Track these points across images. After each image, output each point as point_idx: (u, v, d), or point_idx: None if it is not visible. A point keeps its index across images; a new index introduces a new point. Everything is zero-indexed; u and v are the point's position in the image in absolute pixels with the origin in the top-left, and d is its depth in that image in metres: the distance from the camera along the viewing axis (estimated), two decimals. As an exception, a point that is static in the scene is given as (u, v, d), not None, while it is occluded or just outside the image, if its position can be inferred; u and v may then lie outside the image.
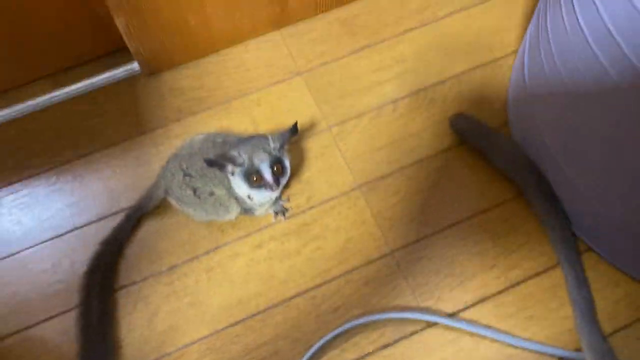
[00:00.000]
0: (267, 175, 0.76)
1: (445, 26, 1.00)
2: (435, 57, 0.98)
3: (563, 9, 0.69)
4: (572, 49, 0.68)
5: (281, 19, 0.98)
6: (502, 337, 0.78)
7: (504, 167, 0.87)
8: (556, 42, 0.72)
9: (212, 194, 0.80)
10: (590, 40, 0.63)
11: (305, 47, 0.99)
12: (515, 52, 0.97)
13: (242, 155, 0.77)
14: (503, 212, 0.87)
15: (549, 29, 0.74)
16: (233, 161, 0.76)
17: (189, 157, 0.81)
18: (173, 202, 0.84)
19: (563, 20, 0.69)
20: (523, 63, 0.86)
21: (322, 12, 1.01)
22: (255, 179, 0.76)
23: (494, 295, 0.82)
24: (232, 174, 0.78)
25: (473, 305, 0.81)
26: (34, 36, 0.91)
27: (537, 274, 0.83)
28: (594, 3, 0.61)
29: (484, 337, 0.79)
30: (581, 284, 0.78)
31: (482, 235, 0.85)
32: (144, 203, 0.85)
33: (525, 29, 0.98)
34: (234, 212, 0.83)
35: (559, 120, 0.78)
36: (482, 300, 0.81)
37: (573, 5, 0.66)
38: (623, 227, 0.77)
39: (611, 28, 0.59)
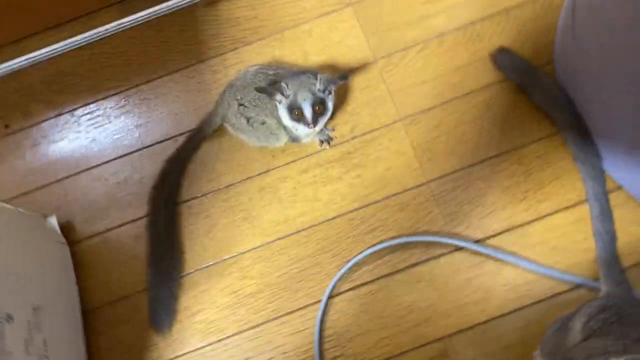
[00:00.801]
0: (307, 113, 0.83)
1: (499, -43, 0.99)
2: (486, -11, 0.98)
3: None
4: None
5: (334, -51, 0.99)
6: (524, 264, 0.85)
7: (542, 104, 0.90)
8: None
9: (263, 123, 0.88)
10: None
11: (356, -23, 1.01)
12: (569, -15, 0.96)
13: (289, 88, 0.83)
14: (539, 148, 0.90)
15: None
16: (281, 91, 0.83)
17: (243, 89, 0.88)
18: (229, 128, 0.92)
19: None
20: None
21: (376, -60, 1.01)
22: (296, 113, 0.83)
23: (521, 225, 0.88)
24: (280, 102, 0.85)
25: (500, 233, 0.88)
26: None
27: (566, 208, 0.88)
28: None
29: (507, 263, 0.86)
30: (605, 218, 0.83)
31: (516, 169, 0.90)
32: (204, 127, 0.94)
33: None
34: (283, 139, 0.91)
35: (606, 59, 0.78)
36: (509, 229, 0.88)
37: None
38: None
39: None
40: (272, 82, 0.85)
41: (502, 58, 0.93)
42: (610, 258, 0.81)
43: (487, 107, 0.93)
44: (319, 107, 0.84)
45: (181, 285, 0.91)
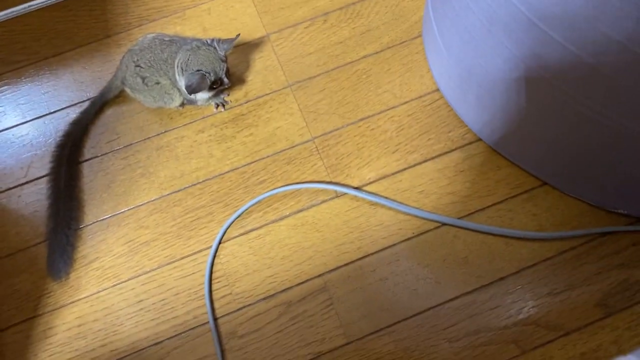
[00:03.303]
0: (225, 79, 0.94)
1: (377, -50, 1.13)
2: (365, -24, 1.11)
3: None
4: None
5: (231, -60, 1.11)
6: (395, 205, 0.94)
7: None
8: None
9: (158, 82, 0.96)
10: None
11: (252, -35, 1.13)
12: (435, -28, 1.10)
13: (209, 71, 0.93)
14: (409, 108, 1.02)
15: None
16: (206, 82, 0.93)
17: (140, 52, 0.97)
18: (127, 90, 1.00)
19: None
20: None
21: None
22: (218, 84, 0.95)
23: (393, 174, 0.98)
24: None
25: (375, 181, 0.97)
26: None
27: (432, 158, 0.98)
28: None
29: (380, 206, 0.95)
30: None
31: (389, 125, 1.01)
32: (105, 92, 1.01)
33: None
34: (177, 100, 0.99)
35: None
36: (383, 177, 0.97)
37: None
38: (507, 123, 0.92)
39: None
40: (198, 76, 0.93)
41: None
42: None
43: (365, 74, 1.04)
44: (226, 68, 0.95)
45: (79, 236, 0.96)
